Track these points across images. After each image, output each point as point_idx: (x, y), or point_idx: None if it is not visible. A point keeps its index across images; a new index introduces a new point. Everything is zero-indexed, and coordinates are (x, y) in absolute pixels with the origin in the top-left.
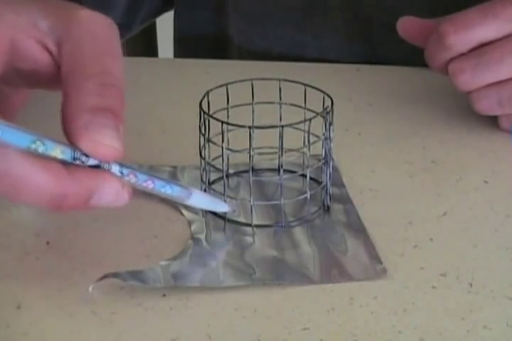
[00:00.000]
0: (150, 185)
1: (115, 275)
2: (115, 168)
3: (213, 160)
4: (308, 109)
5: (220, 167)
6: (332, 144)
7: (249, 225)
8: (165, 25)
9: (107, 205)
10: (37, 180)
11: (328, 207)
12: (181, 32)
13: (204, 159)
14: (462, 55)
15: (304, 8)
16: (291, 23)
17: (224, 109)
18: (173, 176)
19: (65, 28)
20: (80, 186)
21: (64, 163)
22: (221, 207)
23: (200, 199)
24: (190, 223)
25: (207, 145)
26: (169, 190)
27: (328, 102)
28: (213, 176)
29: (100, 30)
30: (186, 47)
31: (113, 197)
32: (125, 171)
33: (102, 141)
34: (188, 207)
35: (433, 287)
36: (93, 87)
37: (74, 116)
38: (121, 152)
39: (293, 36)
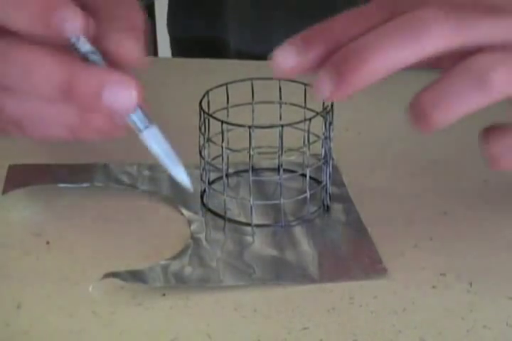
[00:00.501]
0: None
1: (115, 275)
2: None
3: (213, 159)
4: (308, 109)
5: (220, 166)
6: (332, 144)
7: (249, 225)
8: (165, 25)
9: (119, 107)
10: (46, 63)
11: (327, 206)
12: (175, 38)
13: (204, 158)
14: None
15: (303, 11)
16: (291, 26)
17: (224, 108)
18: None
19: None
20: (90, 74)
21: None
22: (178, 171)
23: (153, 141)
24: (189, 223)
25: (207, 145)
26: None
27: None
28: (213, 176)
29: None
30: (180, 52)
31: (126, 98)
32: None
33: (127, 44)
34: (188, 207)
35: (433, 287)
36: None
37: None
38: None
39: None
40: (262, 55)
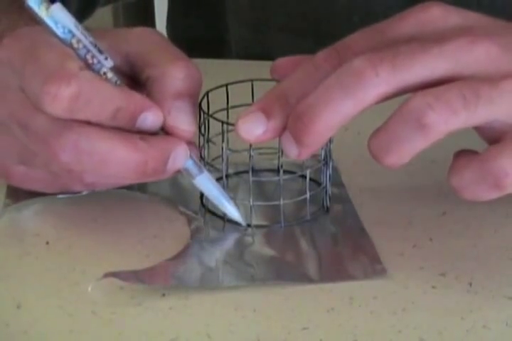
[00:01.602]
0: None
1: (115, 275)
2: None
3: (213, 160)
4: None
5: (220, 167)
6: (332, 145)
7: (249, 225)
8: (164, 25)
9: (181, 166)
10: (120, 152)
11: (327, 208)
12: (175, 38)
13: (204, 159)
14: None
15: (304, 14)
16: (292, 29)
17: (224, 109)
18: (173, 175)
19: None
20: (156, 150)
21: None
22: (234, 213)
23: (206, 185)
24: (189, 223)
25: (207, 146)
26: None
27: None
28: (213, 176)
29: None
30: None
31: (184, 158)
32: None
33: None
34: (187, 207)
35: (432, 287)
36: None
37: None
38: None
39: (293, 42)
40: (263, 55)
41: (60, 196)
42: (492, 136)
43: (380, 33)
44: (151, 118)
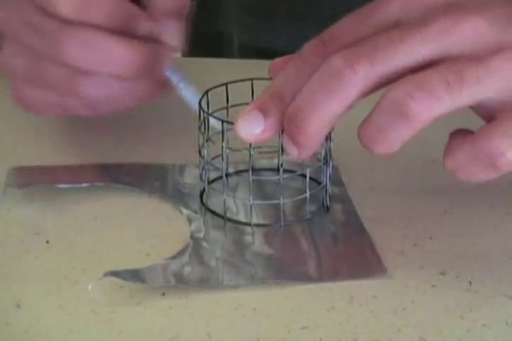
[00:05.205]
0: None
1: (115, 274)
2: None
3: (213, 159)
4: None
5: (220, 166)
6: (332, 144)
7: (249, 224)
8: None
9: (167, 68)
10: (119, 45)
11: (327, 207)
12: None
13: (203, 158)
14: None
15: (309, 1)
16: (295, 15)
17: (224, 108)
18: (173, 175)
19: None
20: (148, 48)
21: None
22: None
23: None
24: (189, 222)
25: (206, 145)
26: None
27: None
28: (213, 175)
29: None
30: None
31: (169, 61)
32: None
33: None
34: (187, 206)
35: (432, 286)
36: None
37: None
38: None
39: (297, 29)
40: (268, 43)
41: (61, 186)
42: (487, 114)
43: (365, 19)
44: (143, 28)
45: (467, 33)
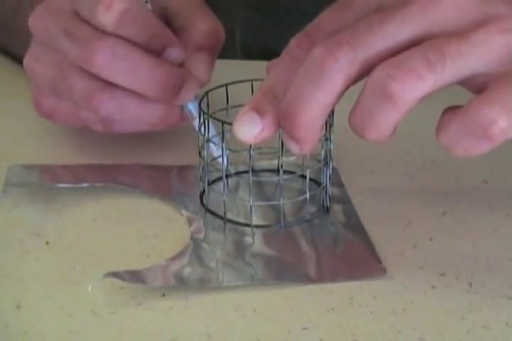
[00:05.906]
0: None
1: (115, 275)
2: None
3: (213, 160)
4: None
5: (220, 167)
6: (332, 145)
7: (249, 225)
8: None
9: (192, 96)
10: (149, 62)
11: (327, 208)
12: None
13: (203, 159)
14: None
15: None
16: (299, 9)
17: (224, 109)
18: (173, 176)
19: None
20: (177, 71)
21: None
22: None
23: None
24: (189, 223)
25: (206, 145)
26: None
27: None
28: (213, 176)
29: None
30: None
31: (195, 89)
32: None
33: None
34: (187, 207)
35: (432, 287)
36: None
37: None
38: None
39: (301, 23)
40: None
41: (61, 185)
42: (477, 88)
43: (347, 7)
44: (175, 54)
45: (448, 8)
